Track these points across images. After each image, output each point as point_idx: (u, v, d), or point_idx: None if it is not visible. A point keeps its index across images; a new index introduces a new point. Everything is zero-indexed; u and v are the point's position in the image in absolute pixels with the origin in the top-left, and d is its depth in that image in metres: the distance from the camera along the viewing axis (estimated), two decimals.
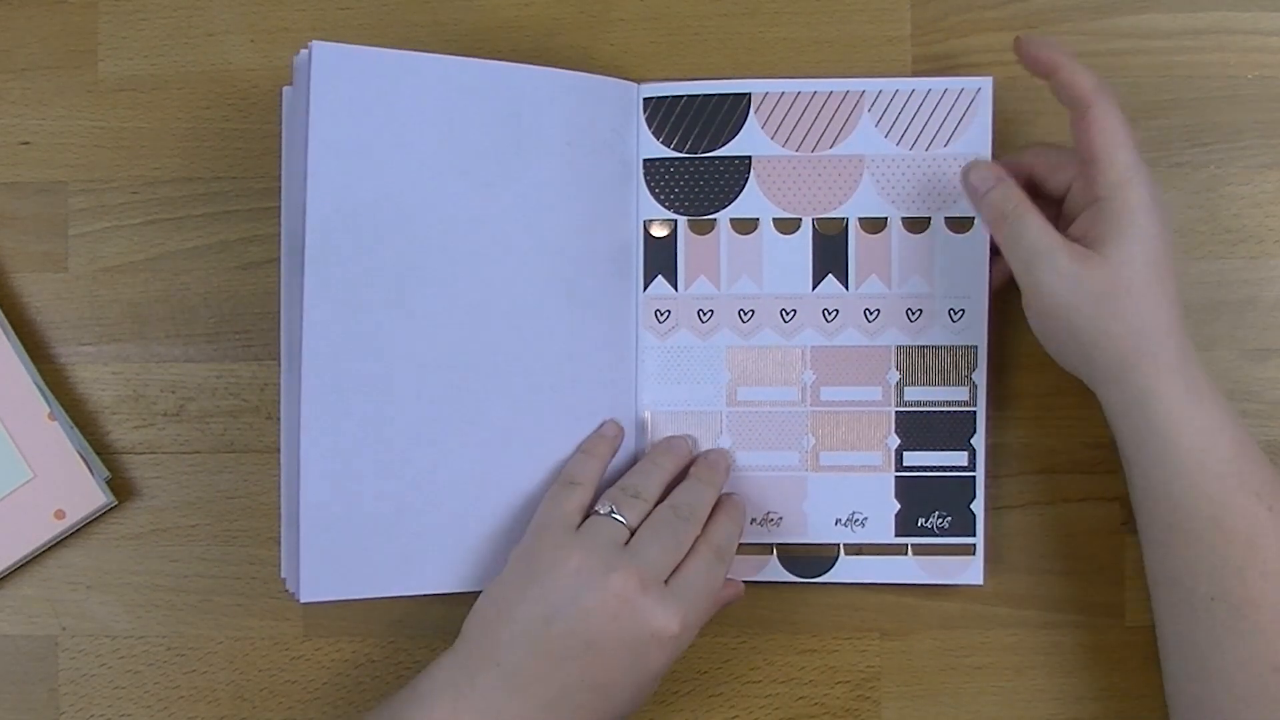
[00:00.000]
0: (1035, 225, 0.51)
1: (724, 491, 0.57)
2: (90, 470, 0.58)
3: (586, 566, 0.50)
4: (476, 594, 0.53)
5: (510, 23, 0.61)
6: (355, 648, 0.60)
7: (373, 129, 0.53)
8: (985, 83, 0.57)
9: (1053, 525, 0.59)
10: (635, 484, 0.55)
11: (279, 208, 0.57)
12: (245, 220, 0.60)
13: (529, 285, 0.56)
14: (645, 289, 0.59)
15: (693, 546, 0.53)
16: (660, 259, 0.59)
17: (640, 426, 0.59)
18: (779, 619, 0.60)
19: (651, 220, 0.59)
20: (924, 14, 0.60)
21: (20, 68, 0.61)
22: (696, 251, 0.59)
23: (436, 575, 0.56)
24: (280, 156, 0.58)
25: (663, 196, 0.59)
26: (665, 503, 0.54)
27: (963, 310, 0.58)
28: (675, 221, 0.59)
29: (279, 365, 0.58)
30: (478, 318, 0.55)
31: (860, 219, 0.58)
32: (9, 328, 0.59)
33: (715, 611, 0.55)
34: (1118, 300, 0.50)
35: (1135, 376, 0.50)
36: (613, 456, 0.57)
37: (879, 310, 0.58)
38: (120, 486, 0.60)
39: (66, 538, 0.59)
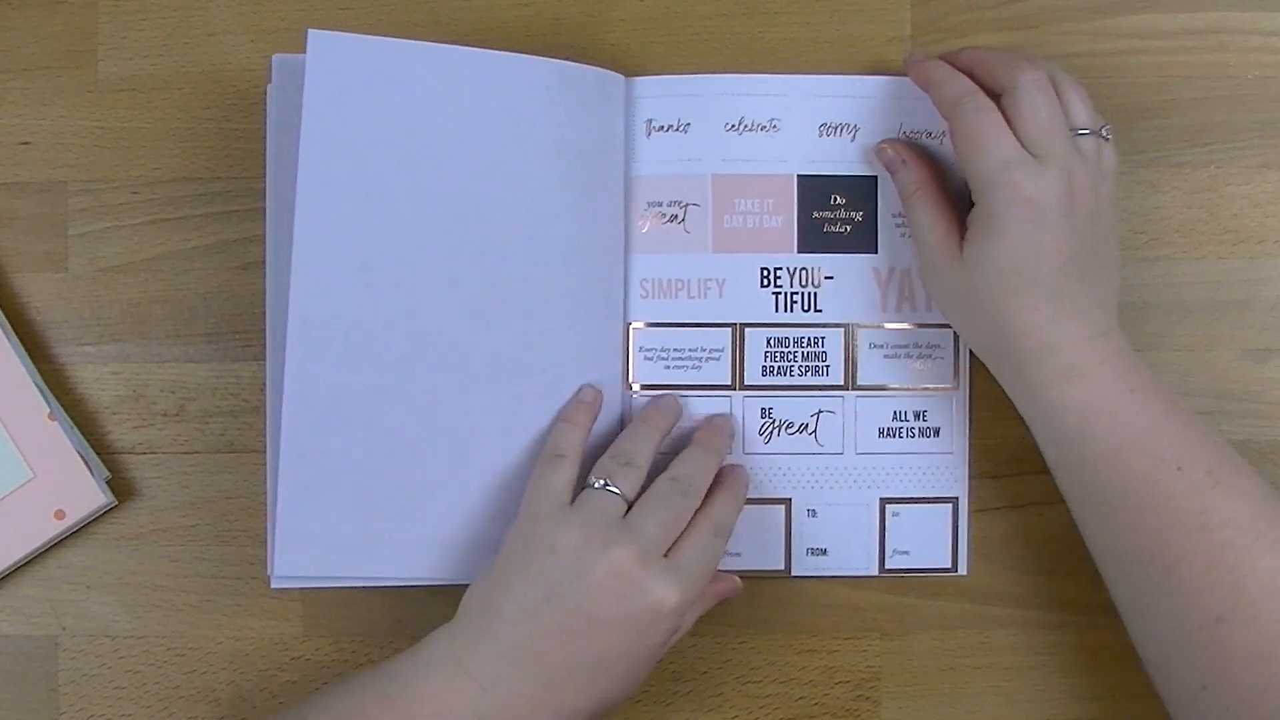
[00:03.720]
0: (925, 213, 0.54)
1: (729, 463, 0.57)
2: (90, 470, 0.58)
3: (585, 543, 0.51)
4: (459, 587, 0.54)
5: (510, 22, 0.61)
6: (355, 648, 0.60)
7: (365, 116, 0.55)
8: None
9: (1052, 525, 0.59)
10: (627, 450, 0.55)
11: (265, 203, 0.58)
12: (245, 220, 0.60)
13: (515, 269, 0.57)
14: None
15: (692, 521, 0.53)
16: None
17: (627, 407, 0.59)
18: (779, 619, 0.60)
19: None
20: (924, 14, 0.60)
21: (20, 68, 0.61)
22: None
23: (414, 563, 0.56)
24: (264, 152, 0.58)
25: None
26: (665, 474, 0.54)
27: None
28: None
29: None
30: (461, 303, 0.56)
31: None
32: (9, 328, 0.59)
33: (712, 604, 0.55)
34: (967, 302, 0.53)
35: (1001, 367, 0.53)
36: (594, 421, 0.57)
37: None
38: (120, 486, 0.60)
39: (66, 538, 0.59)
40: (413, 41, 0.56)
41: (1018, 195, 0.50)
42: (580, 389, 0.57)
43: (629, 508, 0.53)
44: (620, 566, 0.50)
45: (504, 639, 0.50)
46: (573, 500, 0.53)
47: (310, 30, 0.54)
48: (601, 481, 0.53)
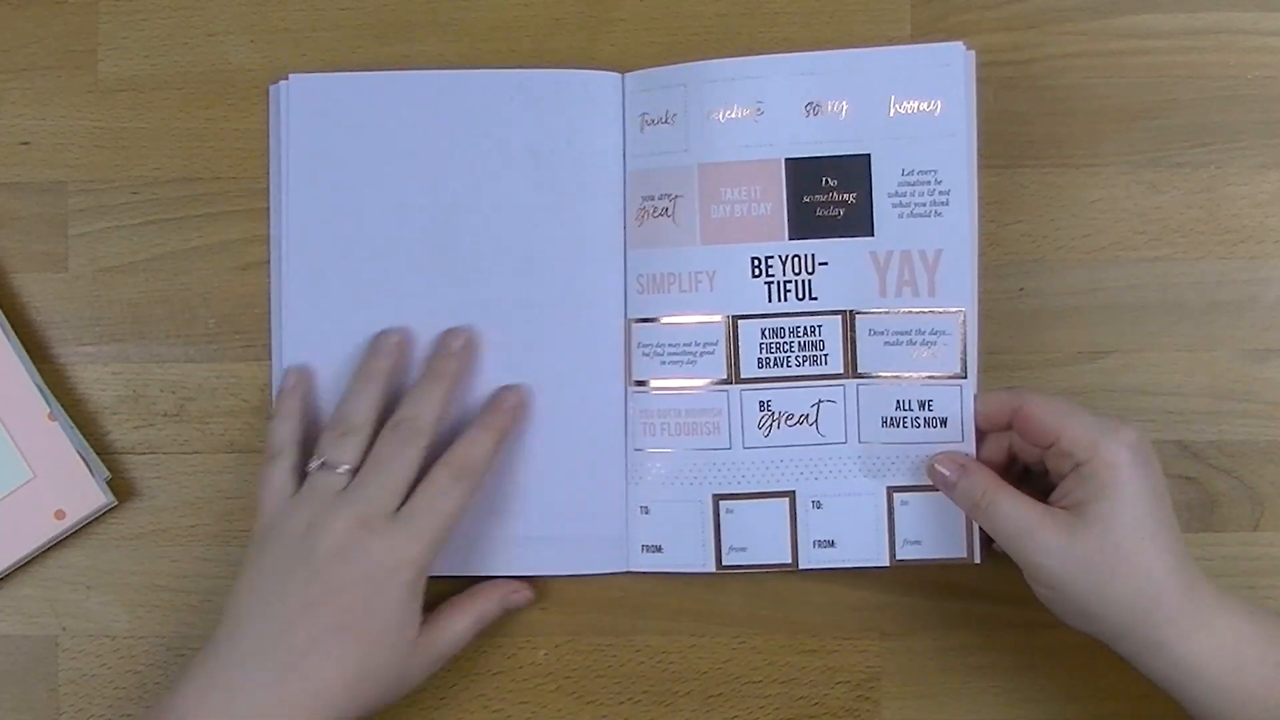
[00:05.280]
0: (1009, 506, 0.51)
1: (507, 387, 0.57)
2: (90, 470, 0.58)
3: (310, 524, 0.51)
4: (454, 580, 0.55)
5: (510, 23, 0.61)
6: None
7: (349, 150, 0.58)
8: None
9: None
10: (343, 416, 0.54)
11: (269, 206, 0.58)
12: (245, 220, 0.60)
13: (506, 273, 0.58)
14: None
15: (434, 467, 0.53)
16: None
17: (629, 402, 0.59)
18: (779, 619, 0.60)
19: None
20: (924, 14, 0.60)
21: (20, 68, 0.61)
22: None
23: None
24: (266, 153, 0.59)
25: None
26: (388, 422, 0.54)
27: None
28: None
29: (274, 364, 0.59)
30: (455, 308, 0.58)
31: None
32: (9, 328, 0.59)
33: (499, 614, 0.56)
34: (1111, 565, 0.49)
35: (1142, 631, 0.50)
36: (304, 405, 0.56)
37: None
38: (120, 486, 0.60)
39: (66, 538, 0.59)
40: (386, 72, 0.58)
41: (1126, 440, 0.50)
42: (284, 373, 0.57)
43: (356, 472, 0.53)
44: (342, 535, 0.51)
45: (248, 634, 0.50)
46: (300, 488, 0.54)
47: (292, 75, 0.58)
48: (318, 463, 0.53)
